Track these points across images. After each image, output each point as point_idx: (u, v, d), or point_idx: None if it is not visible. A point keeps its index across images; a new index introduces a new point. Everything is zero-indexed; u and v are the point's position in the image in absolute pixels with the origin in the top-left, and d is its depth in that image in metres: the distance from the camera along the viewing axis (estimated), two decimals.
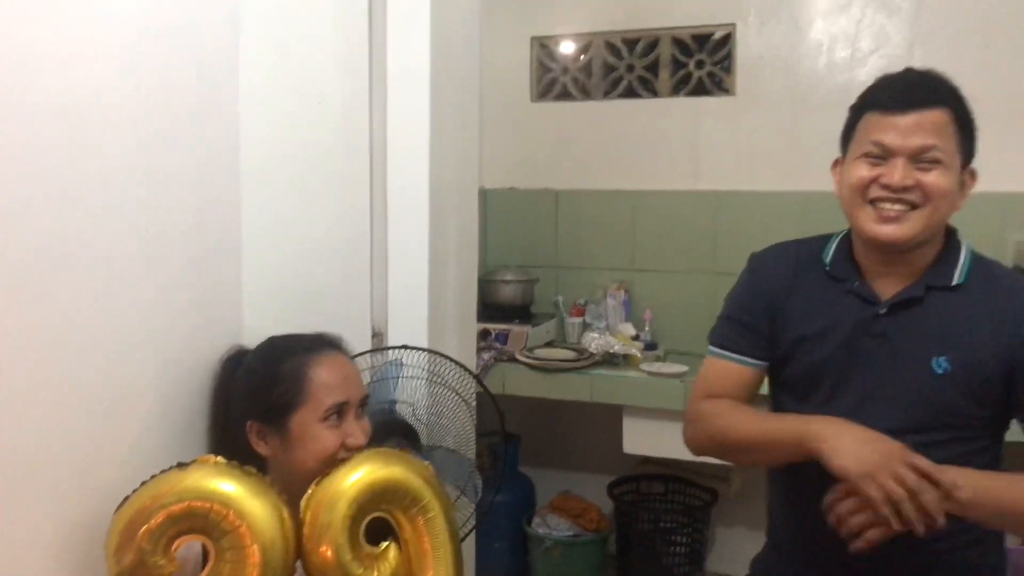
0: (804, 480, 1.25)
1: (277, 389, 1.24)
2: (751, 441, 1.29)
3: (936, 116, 1.21)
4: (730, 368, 1.40)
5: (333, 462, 1.20)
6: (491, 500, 1.65)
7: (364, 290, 1.91)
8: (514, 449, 2.99)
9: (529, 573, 2.87)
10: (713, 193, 2.91)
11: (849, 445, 1.15)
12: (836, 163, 1.34)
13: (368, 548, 1.11)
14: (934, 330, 1.26)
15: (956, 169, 1.23)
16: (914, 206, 1.21)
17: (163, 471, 1.04)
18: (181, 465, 1.05)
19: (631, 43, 3.02)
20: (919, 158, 1.21)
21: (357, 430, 1.24)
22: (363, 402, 1.29)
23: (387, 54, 1.90)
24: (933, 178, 1.21)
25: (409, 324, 1.94)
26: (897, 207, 1.22)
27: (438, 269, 2.02)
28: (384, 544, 1.14)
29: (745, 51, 2.86)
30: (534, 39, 3.14)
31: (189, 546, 1.07)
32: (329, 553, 1.05)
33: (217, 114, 1.38)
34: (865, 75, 2.73)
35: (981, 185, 2.77)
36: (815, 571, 1.34)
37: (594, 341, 2.79)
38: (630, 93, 3.04)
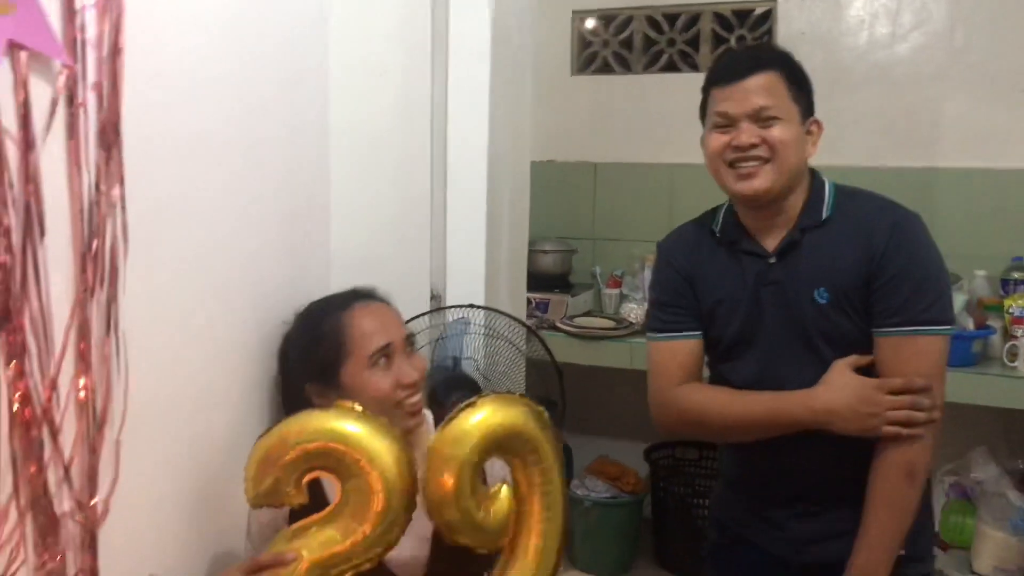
0: None
1: (322, 348, 1.29)
2: (752, 421, 1.39)
3: (765, 79, 1.34)
4: (675, 347, 1.49)
5: (395, 405, 1.25)
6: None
7: (424, 255, 1.99)
8: (555, 415, 3.06)
9: (567, 532, 2.95)
10: None
11: (841, 411, 1.32)
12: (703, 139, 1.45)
13: (483, 488, 1.14)
14: (813, 266, 1.38)
15: (796, 122, 1.36)
16: (765, 160, 1.34)
17: (305, 411, 1.11)
18: (320, 407, 1.12)
19: (672, 17, 3.06)
20: (759, 117, 1.34)
21: (407, 367, 1.28)
22: (408, 341, 1.32)
23: (448, 27, 1.96)
24: (775, 133, 1.34)
25: (466, 289, 2.02)
26: (750, 164, 1.35)
27: (494, 237, 2.09)
28: (498, 485, 1.16)
29: (786, 27, 2.90)
30: (575, 12, 3.18)
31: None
32: (451, 483, 1.09)
33: (306, 82, 1.45)
34: (905, 51, 2.76)
35: (1015, 161, 2.82)
36: (761, 501, 1.48)
37: (633, 311, 2.86)
38: (671, 67, 3.08)
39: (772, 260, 1.40)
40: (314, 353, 1.30)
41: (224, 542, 1.29)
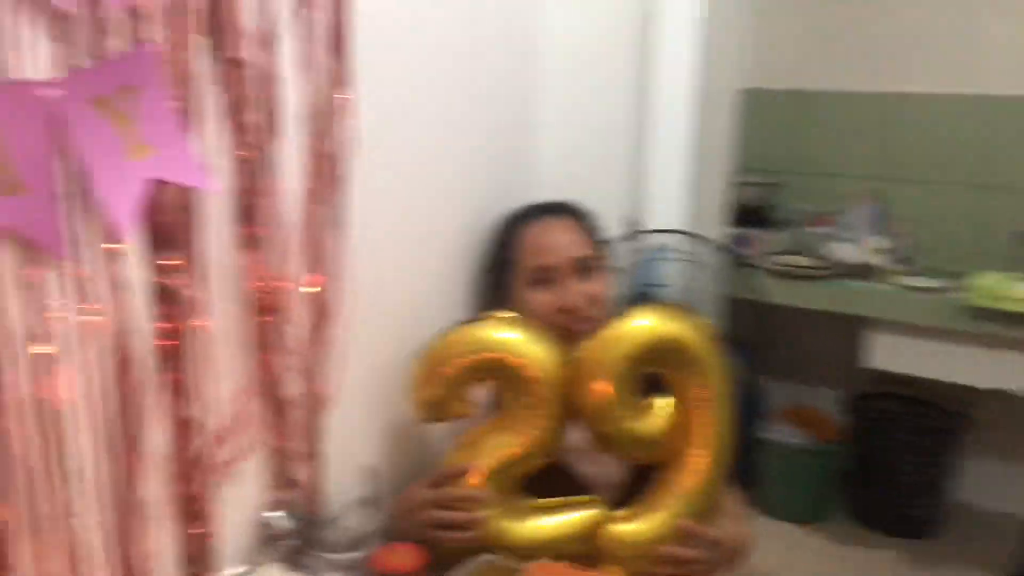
0: None
1: (497, 257, 1.32)
2: None
3: None
4: None
5: (558, 327, 1.20)
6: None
7: (623, 179, 1.94)
8: (748, 355, 2.96)
9: (753, 474, 2.85)
10: (990, 98, 2.65)
11: None
12: None
13: (638, 398, 1.10)
14: None
15: None
16: None
17: (460, 323, 1.13)
18: (475, 319, 1.13)
19: None
20: None
21: (573, 292, 1.23)
22: (582, 265, 1.25)
23: None
24: None
25: (664, 218, 1.96)
26: None
27: (695, 165, 2.01)
28: (658, 398, 1.12)
29: None
30: None
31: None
32: (599, 388, 1.06)
33: None
34: None
35: None
36: None
37: (840, 250, 2.69)
38: None
39: None
40: (494, 259, 1.33)
41: (436, 443, 1.34)
